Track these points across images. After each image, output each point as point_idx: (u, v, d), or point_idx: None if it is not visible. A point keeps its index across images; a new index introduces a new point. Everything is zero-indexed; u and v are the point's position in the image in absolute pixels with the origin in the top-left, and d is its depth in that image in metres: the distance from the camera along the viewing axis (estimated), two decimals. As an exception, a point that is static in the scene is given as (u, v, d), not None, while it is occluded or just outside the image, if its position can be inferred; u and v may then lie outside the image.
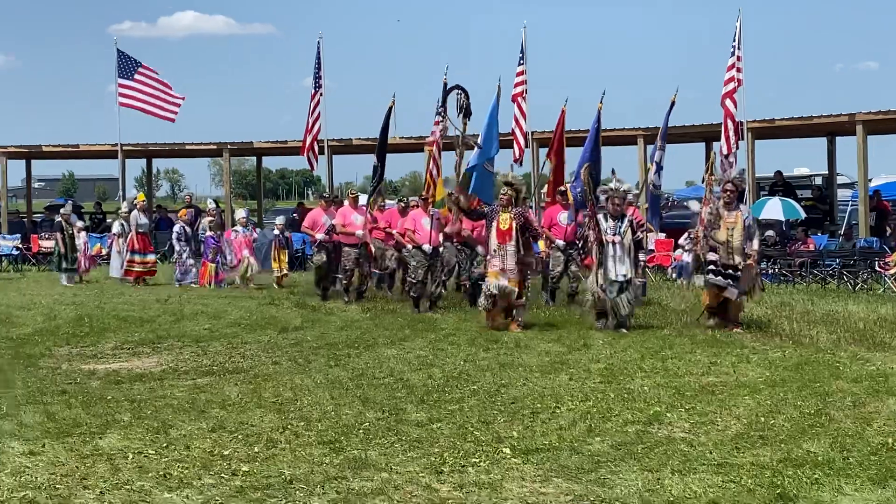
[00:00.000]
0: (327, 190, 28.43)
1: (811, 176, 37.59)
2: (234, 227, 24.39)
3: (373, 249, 20.22)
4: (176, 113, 32.43)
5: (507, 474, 7.47)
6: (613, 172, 18.55)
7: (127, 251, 25.35)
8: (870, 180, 31.21)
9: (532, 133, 29.59)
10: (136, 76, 31.92)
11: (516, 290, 15.29)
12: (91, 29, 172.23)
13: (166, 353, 13.49)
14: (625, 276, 15.03)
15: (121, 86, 32.07)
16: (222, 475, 7.48)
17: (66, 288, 24.08)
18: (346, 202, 20.97)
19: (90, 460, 7.89)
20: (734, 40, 25.21)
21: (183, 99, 32.85)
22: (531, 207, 19.94)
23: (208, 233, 24.47)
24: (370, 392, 10.64)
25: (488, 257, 15.77)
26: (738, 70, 25.20)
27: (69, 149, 39.75)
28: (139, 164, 44.98)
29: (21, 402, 10.13)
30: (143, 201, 28.20)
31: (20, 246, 33.64)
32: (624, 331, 14.75)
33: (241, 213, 26.10)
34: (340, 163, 37.45)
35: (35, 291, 23.04)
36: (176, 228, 25.65)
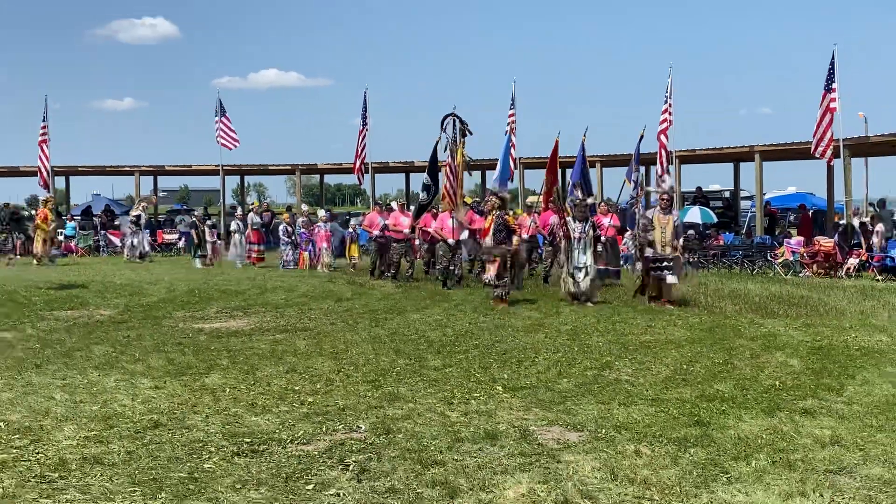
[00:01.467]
0: (379, 199, 28.42)
1: (721, 191, 37.59)
2: (318, 223, 24.30)
3: (416, 243, 20.35)
4: (236, 144, 32.26)
5: (499, 405, 7.50)
6: (577, 187, 18.52)
7: (247, 243, 25.35)
8: (764, 194, 31.21)
9: (520, 158, 29.70)
10: (223, 118, 31.89)
11: (496, 273, 14.93)
12: (200, 81, 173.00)
13: (254, 316, 13.53)
14: (586, 263, 14.94)
15: (217, 122, 32.10)
16: (293, 404, 7.54)
17: (186, 268, 24.17)
18: (395, 208, 21.18)
19: (198, 393, 7.97)
20: (667, 91, 25.14)
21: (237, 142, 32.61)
22: (538, 212, 19.83)
23: (301, 229, 24.38)
24: (401, 345, 10.66)
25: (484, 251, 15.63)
26: (670, 113, 25.14)
27: (184, 168, 39.88)
28: (235, 180, 45.13)
29: (149, 351, 10.21)
30: (258, 206, 28.23)
31: (149, 239, 33.77)
32: (590, 304, 14.55)
33: (321, 213, 26.11)
34: (380, 179, 37.65)
35: (160, 271, 23.11)
36: (281, 227, 25.27)
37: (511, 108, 27.39)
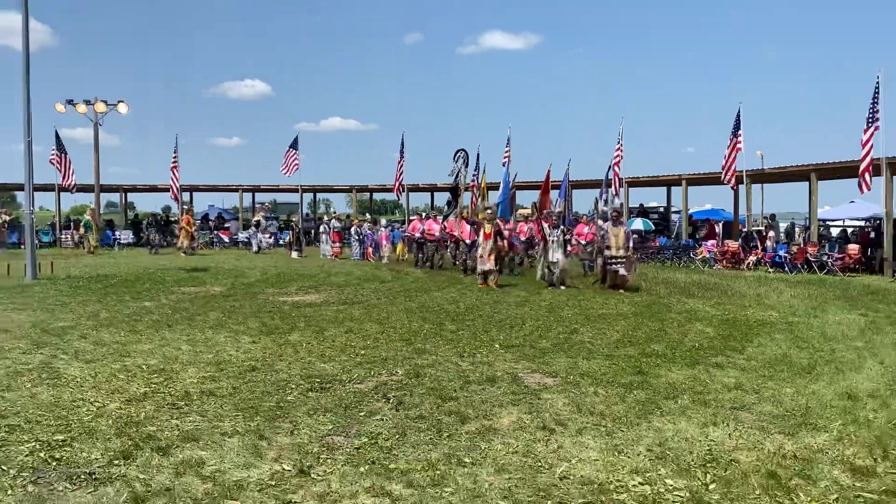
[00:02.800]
0: (417, 211, 28.21)
1: (658, 207, 37.28)
2: (380, 228, 24.25)
3: (445, 243, 20.18)
4: (289, 171, 31.97)
5: (497, 358, 7.48)
6: (551, 203, 18.41)
7: (330, 241, 25.27)
8: (689, 210, 31.07)
9: (512, 181, 29.54)
10: (292, 150, 31.79)
11: (493, 266, 14.94)
12: (285, 125, 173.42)
13: (322, 293, 13.55)
14: (558, 259, 14.70)
15: (287, 153, 32.02)
16: (350, 355, 7.54)
17: (291, 259, 24.20)
18: (431, 217, 21.11)
19: (283, 347, 7.99)
20: (619, 135, 24.98)
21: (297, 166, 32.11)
22: (534, 221, 19.44)
23: (368, 231, 24.27)
24: (426, 314, 10.64)
25: (479, 250, 15.28)
26: (621, 150, 24.99)
27: (273, 187, 39.90)
28: (309, 196, 45.10)
29: (248, 316, 10.24)
30: (338, 214, 28.02)
31: (248, 237, 33.86)
32: (563, 287, 14.34)
33: (383, 221, 26.12)
34: (412, 196, 37.60)
35: (256, 261, 23.19)
36: (353, 229, 25.04)
37: (507, 147, 27.25)
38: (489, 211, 15.69)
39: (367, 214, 29.87)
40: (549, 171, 19.91)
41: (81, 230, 27.37)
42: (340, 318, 10.22)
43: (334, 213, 30.51)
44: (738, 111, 22.63)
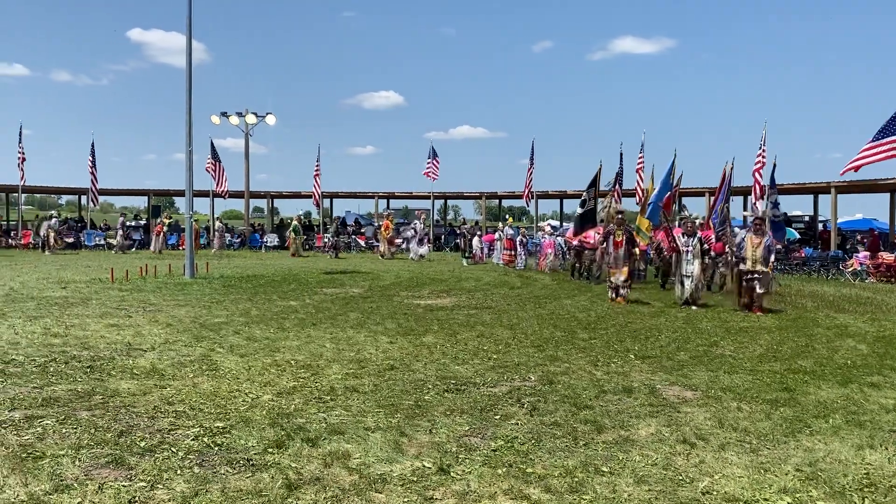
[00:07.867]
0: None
1: (803, 216, 35.10)
2: (544, 235, 23.47)
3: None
4: (436, 177, 32.94)
5: (632, 368, 7.31)
6: (685, 207, 17.47)
7: (504, 248, 24.59)
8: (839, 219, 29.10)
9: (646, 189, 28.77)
10: (432, 159, 32.79)
11: (624, 277, 13.79)
12: (417, 134, 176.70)
13: (453, 296, 13.74)
14: (692, 272, 13.24)
15: (428, 162, 33.02)
16: (483, 359, 7.60)
17: (416, 262, 24.82)
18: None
19: (419, 348, 8.16)
20: (762, 140, 23.62)
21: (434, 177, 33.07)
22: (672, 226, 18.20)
23: (541, 239, 23.63)
24: (557, 322, 10.56)
25: (612, 258, 14.04)
26: (763, 156, 23.66)
27: (406, 194, 40.96)
28: (439, 202, 45.88)
29: (385, 317, 10.55)
30: (511, 221, 26.78)
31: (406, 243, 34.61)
32: (695, 308, 12.79)
33: (548, 228, 25.46)
34: (541, 203, 37.48)
35: (390, 265, 23.84)
36: (518, 238, 24.07)
37: (640, 153, 26.54)
38: (620, 216, 14.40)
39: (544, 222, 29.58)
40: (724, 170, 18.70)
41: (291, 235, 28.95)
42: (472, 322, 10.32)
43: (508, 218, 30.15)
44: (896, 112, 20.88)
